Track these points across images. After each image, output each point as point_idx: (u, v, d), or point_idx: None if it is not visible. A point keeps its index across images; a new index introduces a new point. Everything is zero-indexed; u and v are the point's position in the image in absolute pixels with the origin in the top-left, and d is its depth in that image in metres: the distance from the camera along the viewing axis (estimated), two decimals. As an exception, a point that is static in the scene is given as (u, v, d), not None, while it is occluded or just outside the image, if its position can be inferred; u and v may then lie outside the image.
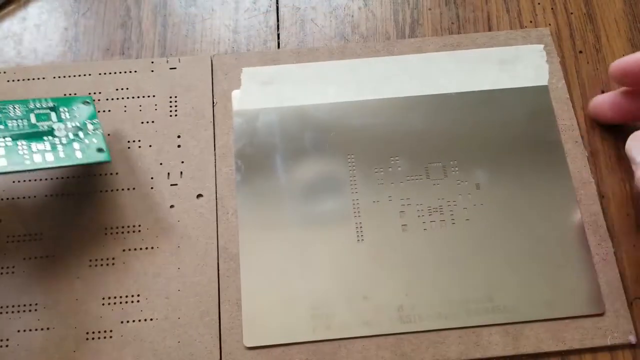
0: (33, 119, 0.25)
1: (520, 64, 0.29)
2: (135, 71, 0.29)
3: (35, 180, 0.27)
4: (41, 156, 0.24)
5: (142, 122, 0.28)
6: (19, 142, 0.24)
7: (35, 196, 0.27)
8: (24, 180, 0.27)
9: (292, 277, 0.25)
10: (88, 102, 0.27)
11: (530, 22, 0.31)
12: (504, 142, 0.28)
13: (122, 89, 0.29)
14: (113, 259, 0.26)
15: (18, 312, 0.25)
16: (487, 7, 0.32)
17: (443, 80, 0.29)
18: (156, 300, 0.25)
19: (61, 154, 0.25)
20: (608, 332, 0.24)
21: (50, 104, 0.26)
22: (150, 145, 0.28)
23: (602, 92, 0.29)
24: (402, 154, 0.27)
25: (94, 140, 0.26)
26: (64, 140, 0.25)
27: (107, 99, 0.29)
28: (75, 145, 0.25)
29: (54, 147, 0.25)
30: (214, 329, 0.25)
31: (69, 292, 0.25)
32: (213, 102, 0.29)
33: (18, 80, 0.29)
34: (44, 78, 0.29)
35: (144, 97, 0.29)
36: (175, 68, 0.30)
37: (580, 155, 0.28)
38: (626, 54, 0.30)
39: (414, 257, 0.26)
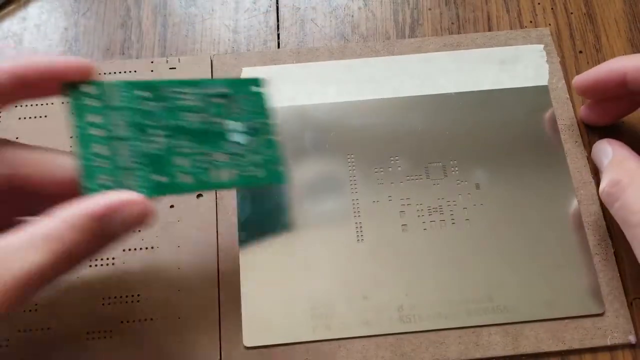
0: (210, 113, 0.20)
1: (520, 64, 0.29)
2: (135, 71, 0.29)
3: (35, 180, 0.27)
4: (217, 171, 0.19)
5: (142, 122, 0.28)
6: (201, 150, 0.19)
7: (35, 196, 0.27)
8: (24, 180, 0.27)
9: (292, 277, 0.25)
10: (258, 87, 0.21)
11: (530, 22, 0.31)
12: (503, 142, 0.28)
13: (122, 89, 0.29)
14: (113, 258, 0.26)
15: (18, 312, 0.25)
16: (487, 7, 0.32)
17: (443, 80, 0.29)
18: (156, 300, 0.25)
19: (237, 171, 0.20)
20: (608, 332, 0.24)
21: (224, 90, 0.20)
22: (150, 145, 0.28)
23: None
24: (402, 154, 0.27)
25: (269, 151, 0.20)
26: (241, 149, 0.20)
27: (107, 99, 0.29)
28: (252, 158, 0.20)
29: (232, 158, 0.20)
30: (214, 329, 0.24)
31: (69, 292, 0.25)
32: (213, 102, 0.29)
33: (18, 80, 0.29)
34: (44, 78, 0.29)
35: (144, 97, 0.29)
36: (175, 68, 0.30)
37: (580, 155, 0.28)
38: (626, 53, 0.30)
39: (414, 257, 0.25)
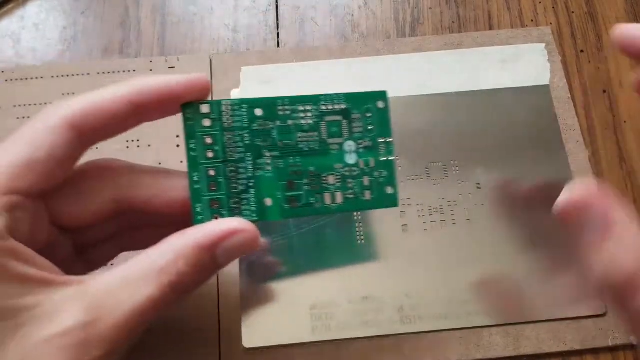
0: (324, 131, 0.19)
1: (521, 63, 0.29)
2: (134, 70, 0.29)
3: (34, 180, 0.27)
4: (331, 196, 0.18)
5: (141, 122, 0.28)
6: (311, 172, 0.18)
7: (33, 196, 0.27)
8: (23, 180, 0.27)
9: (291, 278, 0.25)
10: (384, 102, 0.19)
11: (532, 21, 0.31)
12: (505, 141, 0.28)
13: (121, 88, 0.29)
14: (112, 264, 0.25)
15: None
16: (488, 5, 0.31)
17: (444, 79, 0.29)
18: (155, 301, 0.25)
19: (349, 194, 0.18)
20: (609, 332, 0.24)
21: (342, 105, 0.19)
22: (149, 145, 0.28)
23: (604, 91, 0.29)
24: (403, 153, 0.27)
25: (384, 171, 0.19)
26: (355, 171, 0.19)
27: (106, 99, 0.29)
28: (365, 180, 0.19)
29: (343, 180, 0.19)
30: (214, 329, 0.24)
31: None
32: (212, 102, 0.29)
33: (16, 79, 0.29)
34: (42, 77, 0.29)
35: (143, 96, 0.29)
36: (174, 67, 0.29)
37: (581, 155, 0.27)
38: (628, 53, 0.30)
39: (414, 257, 0.25)
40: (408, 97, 0.29)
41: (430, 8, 0.31)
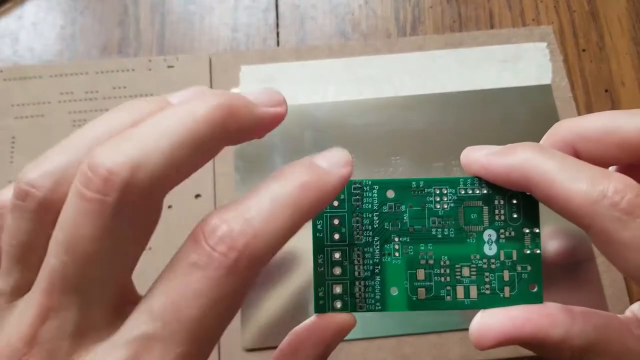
0: (461, 218, 0.17)
1: (522, 63, 0.29)
2: (133, 70, 0.29)
3: (32, 180, 0.27)
4: (464, 290, 0.17)
5: (140, 121, 0.28)
6: (442, 261, 0.17)
7: (31, 196, 0.26)
8: (21, 180, 0.27)
9: (291, 278, 0.25)
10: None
11: (533, 20, 0.31)
12: (506, 141, 0.27)
13: (119, 87, 0.29)
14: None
15: None
16: (489, 4, 0.31)
17: (444, 78, 0.29)
18: (154, 302, 0.25)
19: (486, 289, 0.17)
20: (612, 334, 0.24)
21: (484, 190, 0.18)
22: (148, 145, 0.28)
23: (606, 91, 0.29)
24: (403, 153, 0.27)
25: (528, 267, 0.17)
26: (494, 263, 0.17)
27: (104, 98, 0.28)
28: (505, 274, 0.17)
29: (479, 273, 0.17)
30: (213, 330, 0.24)
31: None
32: (212, 101, 0.28)
33: (15, 79, 0.29)
34: (40, 77, 0.29)
35: (141, 95, 0.29)
36: (173, 66, 0.29)
37: (583, 154, 0.27)
38: (629, 52, 0.30)
39: (415, 258, 0.25)
40: (409, 96, 0.28)
41: (431, 7, 0.31)
